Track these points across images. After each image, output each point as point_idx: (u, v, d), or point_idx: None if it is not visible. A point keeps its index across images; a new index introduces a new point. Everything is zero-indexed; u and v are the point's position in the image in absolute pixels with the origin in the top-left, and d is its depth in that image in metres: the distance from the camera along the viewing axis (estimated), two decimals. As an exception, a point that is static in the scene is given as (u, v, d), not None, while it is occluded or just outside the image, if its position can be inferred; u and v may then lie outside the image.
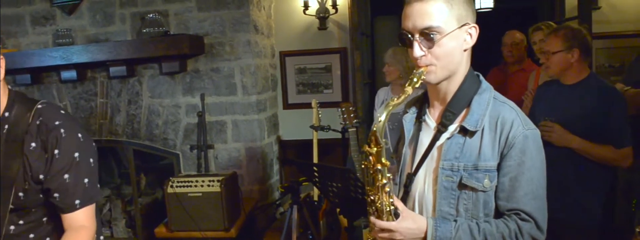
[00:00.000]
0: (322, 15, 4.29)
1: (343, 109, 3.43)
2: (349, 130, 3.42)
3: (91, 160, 1.68)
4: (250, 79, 3.98)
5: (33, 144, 1.59)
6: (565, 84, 2.58)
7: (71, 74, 4.14)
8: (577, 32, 2.51)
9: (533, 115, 2.64)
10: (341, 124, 3.49)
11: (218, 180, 3.51)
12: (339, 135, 3.73)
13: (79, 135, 1.64)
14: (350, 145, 3.44)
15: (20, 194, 1.60)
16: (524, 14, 5.74)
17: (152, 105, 4.17)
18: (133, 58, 3.90)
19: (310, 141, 3.80)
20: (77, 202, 1.63)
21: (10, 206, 1.59)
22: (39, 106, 1.64)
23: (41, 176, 1.60)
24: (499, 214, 1.48)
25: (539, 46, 3.32)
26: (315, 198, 3.79)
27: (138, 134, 4.22)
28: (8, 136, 1.58)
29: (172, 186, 3.54)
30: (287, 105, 4.57)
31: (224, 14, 3.96)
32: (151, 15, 3.94)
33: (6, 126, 1.59)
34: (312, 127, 3.70)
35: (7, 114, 1.60)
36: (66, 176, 1.60)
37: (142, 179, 4.59)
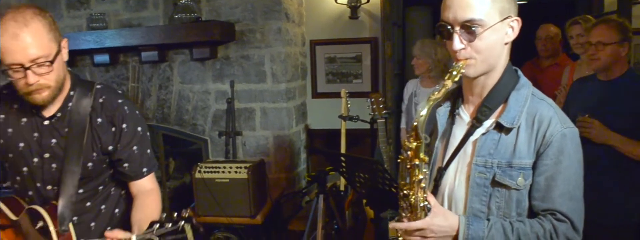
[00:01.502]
0: (354, 5, 4.25)
1: (372, 100, 3.41)
2: (378, 121, 3.40)
3: (148, 133, 1.93)
4: (280, 67, 3.98)
5: (99, 120, 1.79)
6: (603, 80, 2.52)
7: (104, 58, 4.20)
8: (626, 25, 2.47)
9: (567, 112, 2.58)
10: (370, 114, 3.47)
11: (245, 167, 3.52)
12: (368, 126, 3.71)
13: (137, 112, 1.89)
14: (379, 137, 3.42)
15: (89, 164, 1.80)
16: (559, 7, 5.62)
17: (182, 90, 4.20)
18: (165, 43, 3.93)
19: (339, 131, 3.78)
20: (144, 169, 1.87)
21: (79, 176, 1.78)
22: (98, 87, 1.85)
23: (110, 147, 1.81)
24: (532, 213, 1.45)
25: (577, 40, 3.24)
26: (342, 188, 3.79)
27: (168, 118, 4.26)
28: (72, 114, 1.77)
29: (200, 171, 3.57)
30: (316, 94, 4.56)
31: (255, 1, 3.95)
32: (183, 1, 3.95)
33: (70, 104, 1.78)
34: (341, 117, 3.69)
35: (72, 93, 1.79)
36: (134, 148, 1.83)
37: (170, 163, 4.65)
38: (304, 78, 4.49)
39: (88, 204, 1.88)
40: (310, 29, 4.49)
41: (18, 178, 1.85)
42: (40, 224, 1.72)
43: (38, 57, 1.59)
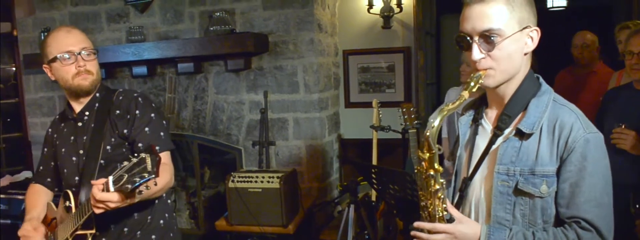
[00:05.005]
0: (386, 14, 4.26)
1: (404, 110, 3.40)
2: (409, 131, 3.39)
3: (164, 122, 2.13)
4: (313, 77, 4.01)
5: (118, 111, 2.07)
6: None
7: (142, 70, 4.31)
8: None
9: (602, 121, 2.52)
10: (401, 124, 3.46)
11: (278, 177, 3.56)
12: (400, 136, 3.70)
13: (153, 104, 2.13)
14: (410, 147, 3.41)
15: (108, 147, 2.04)
16: (598, 14, 5.49)
17: (217, 101, 4.28)
18: (200, 55, 4.01)
19: (371, 140, 3.79)
20: (157, 148, 1.92)
21: (101, 161, 2.03)
22: (120, 90, 2.18)
23: (125, 131, 2.05)
24: (560, 221, 1.42)
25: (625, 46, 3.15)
26: (374, 198, 3.78)
27: (203, 128, 4.34)
28: (98, 112, 2.09)
29: (233, 181, 3.62)
30: (348, 104, 4.56)
31: (288, 13, 4.00)
32: (218, 13, 4.03)
33: (97, 105, 2.11)
34: (372, 127, 3.69)
35: (97, 95, 2.13)
36: (147, 129, 2.05)
37: (205, 173, 4.72)
38: (336, 88, 4.51)
39: None
40: (343, 39, 4.52)
41: (63, 180, 2.18)
42: (67, 203, 2.03)
43: (85, 47, 2.04)
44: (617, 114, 2.49)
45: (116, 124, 2.06)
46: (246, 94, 4.19)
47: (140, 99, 2.10)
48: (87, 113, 2.12)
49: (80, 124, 2.12)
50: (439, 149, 1.37)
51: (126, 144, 2.08)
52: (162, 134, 2.08)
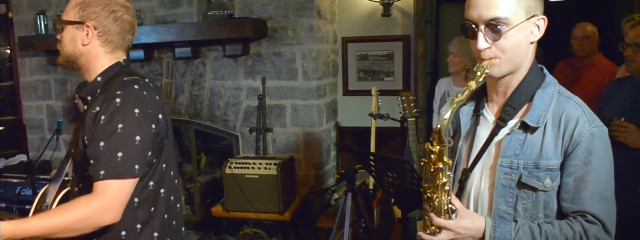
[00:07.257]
0: (386, 2, 4.22)
1: (403, 98, 3.39)
2: (408, 119, 3.38)
3: (138, 138, 1.57)
4: (311, 64, 3.99)
5: (97, 108, 1.60)
6: None
7: (139, 54, 4.27)
8: None
9: (601, 114, 2.51)
10: (400, 113, 3.45)
11: (275, 164, 3.55)
12: (398, 124, 3.69)
13: (136, 110, 1.59)
14: (409, 135, 3.40)
15: (72, 150, 1.72)
16: (598, 5, 5.46)
17: (214, 86, 4.25)
18: (198, 40, 3.97)
19: (369, 129, 3.78)
20: (101, 172, 1.53)
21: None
22: (125, 78, 1.67)
23: (86, 138, 1.61)
24: (561, 215, 1.41)
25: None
26: (371, 186, 3.78)
27: (200, 114, 4.32)
28: (95, 101, 1.65)
29: (230, 167, 3.61)
30: (347, 92, 4.55)
31: (288, -1, 3.97)
32: (217, -2, 4.00)
33: (98, 91, 1.69)
34: (371, 115, 3.68)
35: (99, 79, 1.72)
36: (101, 144, 1.54)
37: (202, 158, 4.70)
38: (335, 75, 4.48)
39: None
40: (342, 26, 4.48)
41: None
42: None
43: (60, 15, 1.71)
44: (618, 106, 2.48)
45: (85, 128, 1.61)
46: (244, 79, 4.16)
47: (118, 100, 1.58)
48: (89, 98, 1.73)
49: (86, 106, 1.73)
50: (450, 142, 1.35)
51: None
52: (119, 154, 1.54)
